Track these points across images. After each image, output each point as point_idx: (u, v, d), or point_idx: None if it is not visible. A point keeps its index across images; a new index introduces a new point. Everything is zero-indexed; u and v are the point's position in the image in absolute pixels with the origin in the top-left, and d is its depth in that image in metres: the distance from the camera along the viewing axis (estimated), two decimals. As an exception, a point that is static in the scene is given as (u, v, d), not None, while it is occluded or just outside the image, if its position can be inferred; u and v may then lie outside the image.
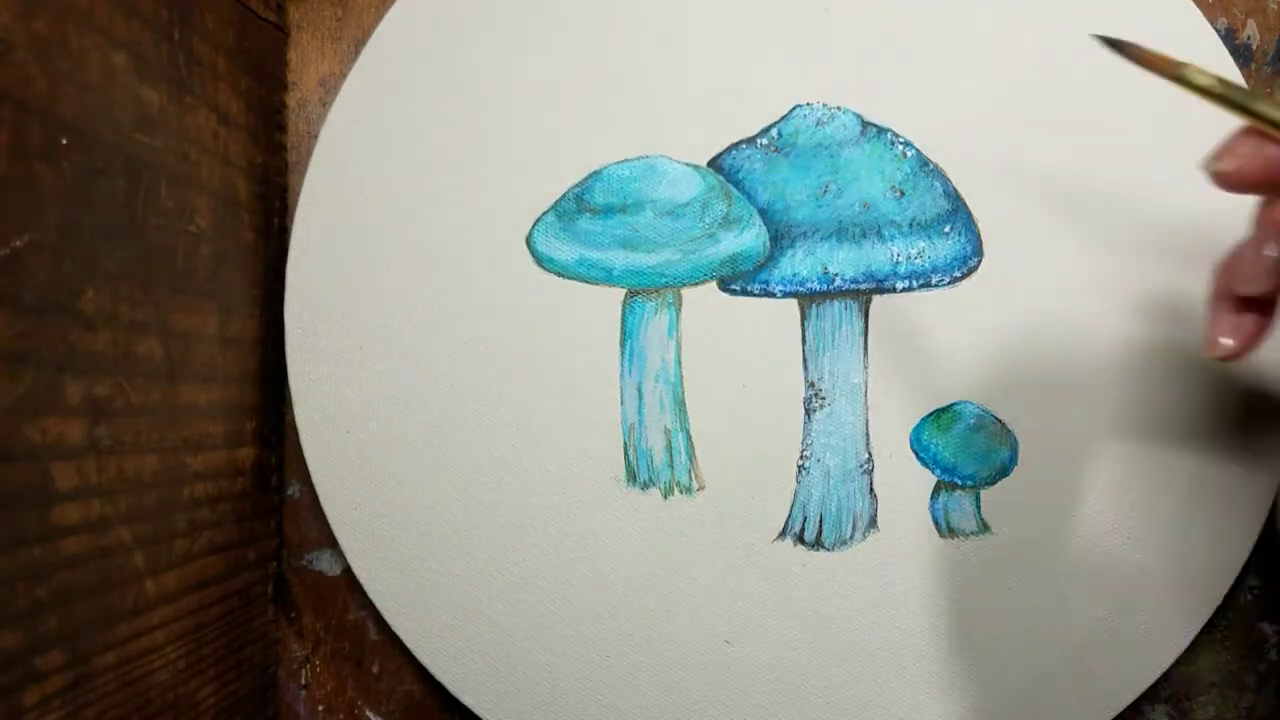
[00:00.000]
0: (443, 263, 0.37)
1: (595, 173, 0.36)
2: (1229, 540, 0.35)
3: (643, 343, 0.36)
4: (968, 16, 0.36)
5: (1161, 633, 0.35)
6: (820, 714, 0.35)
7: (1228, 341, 0.29)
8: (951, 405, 0.36)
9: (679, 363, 0.36)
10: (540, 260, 0.36)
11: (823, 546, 0.36)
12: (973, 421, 0.35)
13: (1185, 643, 0.35)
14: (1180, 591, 0.35)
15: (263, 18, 0.38)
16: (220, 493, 0.34)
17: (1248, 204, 0.35)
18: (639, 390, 0.36)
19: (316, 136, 0.37)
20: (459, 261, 0.37)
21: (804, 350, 0.36)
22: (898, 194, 0.36)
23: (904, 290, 0.36)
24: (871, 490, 0.36)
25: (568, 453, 0.36)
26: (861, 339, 0.36)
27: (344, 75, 0.38)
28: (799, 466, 0.36)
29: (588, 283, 0.36)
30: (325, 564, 0.40)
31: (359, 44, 0.39)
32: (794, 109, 0.36)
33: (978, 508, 0.35)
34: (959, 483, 0.35)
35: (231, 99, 0.35)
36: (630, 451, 0.36)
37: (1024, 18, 0.36)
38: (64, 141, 0.26)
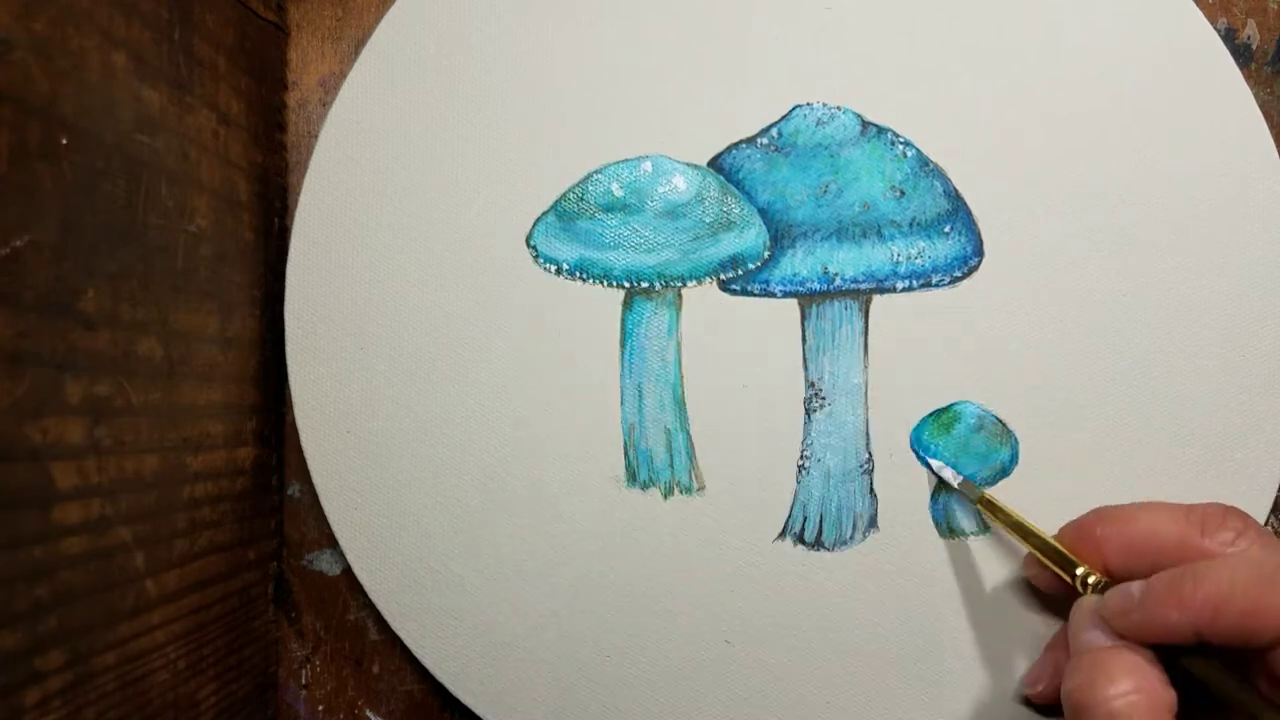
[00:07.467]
0: (443, 262, 0.37)
1: (595, 172, 0.36)
2: (1229, 540, 0.35)
3: (642, 343, 0.36)
4: (968, 16, 0.36)
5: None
6: (820, 714, 0.35)
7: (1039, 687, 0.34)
8: (951, 405, 0.36)
9: (679, 363, 0.36)
10: (540, 260, 0.36)
11: (823, 546, 0.36)
12: (973, 421, 0.35)
13: (1185, 643, 0.35)
14: (1180, 591, 0.35)
15: (263, 18, 0.38)
16: (220, 493, 0.34)
17: (1245, 203, 0.35)
18: (639, 390, 0.36)
19: (316, 136, 0.37)
20: (459, 261, 0.37)
21: (804, 350, 0.36)
22: (898, 194, 0.36)
23: (904, 290, 0.36)
24: (872, 490, 0.36)
25: (568, 453, 0.36)
26: (861, 339, 0.36)
27: (344, 75, 0.38)
28: (799, 466, 0.36)
29: (588, 282, 0.36)
30: (325, 564, 0.40)
31: (359, 44, 0.39)
32: (794, 109, 0.36)
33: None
34: (959, 483, 0.35)
35: (231, 99, 0.35)
36: (630, 451, 0.36)
37: (1024, 17, 0.36)
38: (64, 141, 0.26)
